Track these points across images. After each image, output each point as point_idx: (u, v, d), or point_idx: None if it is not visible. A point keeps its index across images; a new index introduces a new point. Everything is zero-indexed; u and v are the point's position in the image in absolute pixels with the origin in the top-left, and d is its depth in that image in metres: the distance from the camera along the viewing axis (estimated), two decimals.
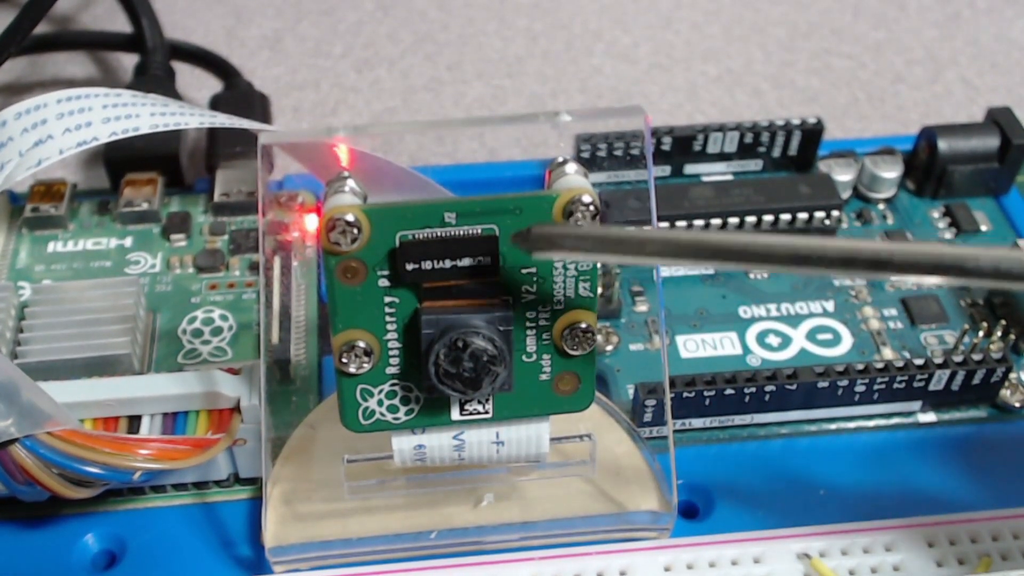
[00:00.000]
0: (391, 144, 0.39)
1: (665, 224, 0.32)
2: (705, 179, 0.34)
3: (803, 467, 0.28)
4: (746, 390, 0.27)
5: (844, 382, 0.27)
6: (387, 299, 0.22)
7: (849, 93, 0.42)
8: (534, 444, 0.24)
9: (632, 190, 0.32)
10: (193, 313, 0.31)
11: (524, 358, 0.23)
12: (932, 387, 0.28)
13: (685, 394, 0.27)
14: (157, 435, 0.25)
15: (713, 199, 0.32)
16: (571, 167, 0.22)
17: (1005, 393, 0.29)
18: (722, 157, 0.34)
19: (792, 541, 0.25)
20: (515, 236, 0.21)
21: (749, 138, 0.34)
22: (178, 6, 0.45)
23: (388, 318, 0.22)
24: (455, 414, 0.23)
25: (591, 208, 0.21)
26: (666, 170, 0.35)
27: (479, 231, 0.21)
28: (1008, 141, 0.33)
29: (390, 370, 0.22)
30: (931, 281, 0.23)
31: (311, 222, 0.32)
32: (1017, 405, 0.29)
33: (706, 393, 0.27)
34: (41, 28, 0.32)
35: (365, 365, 0.22)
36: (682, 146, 0.34)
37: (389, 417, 0.23)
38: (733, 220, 0.32)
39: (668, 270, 0.32)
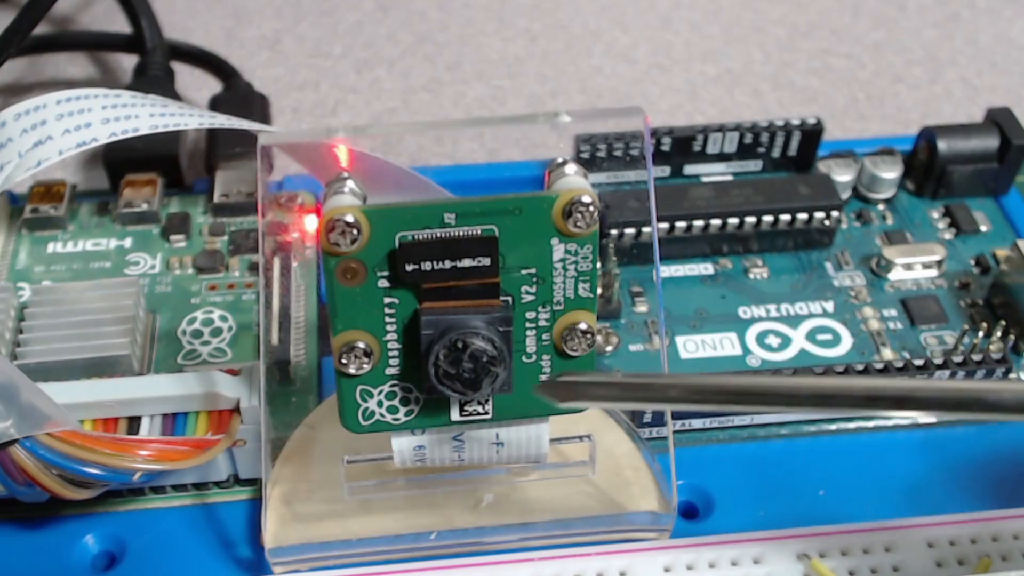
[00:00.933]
0: (391, 145, 0.39)
1: (665, 225, 0.32)
2: (705, 179, 0.34)
3: (803, 468, 0.28)
4: None
5: None
6: (387, 300, 0.22)
7: (849, 93, 0.42)
8: (534, 445, 0.24)
9: (632, 191, 0.32)
10: (193, 314, 0.31)
11: (524, 359, 0.23)
12: None
13: None
14: (157, 436, 0.25)
15: (713, 199, 0.32)
16: (571, 168, 0.22)
17: None
18: (722, 157, 0.34)
19: (792, 541, 0.25)
20: (540, 387, 0.22)
21: (749, 138, 0.34)
22: (177, 7, 0.45)
23: (388, 319, 0.22)
24: (455, 415, 0.23)
25: (590, 209, 0.21)
26: (666, 170, 0.35)
27: (479, 232, 0.21)
28: (1008, 141, 0.34)
29: (390, 371, 0.22)
30: (955, 417, 0.24)
31: (311, 223, 0.32)
32: None
33: None
34: (40, 29, 0.32)
35: (365, 366, 0.22)
36: (682, 146, 0.34)
37: (389, 418, 0.23)
38: (733, 220, 0.32)
39: (668, 270, 0.32)
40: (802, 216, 0.32)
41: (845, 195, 0.34)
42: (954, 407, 0.18)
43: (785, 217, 0.32)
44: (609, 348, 0.30)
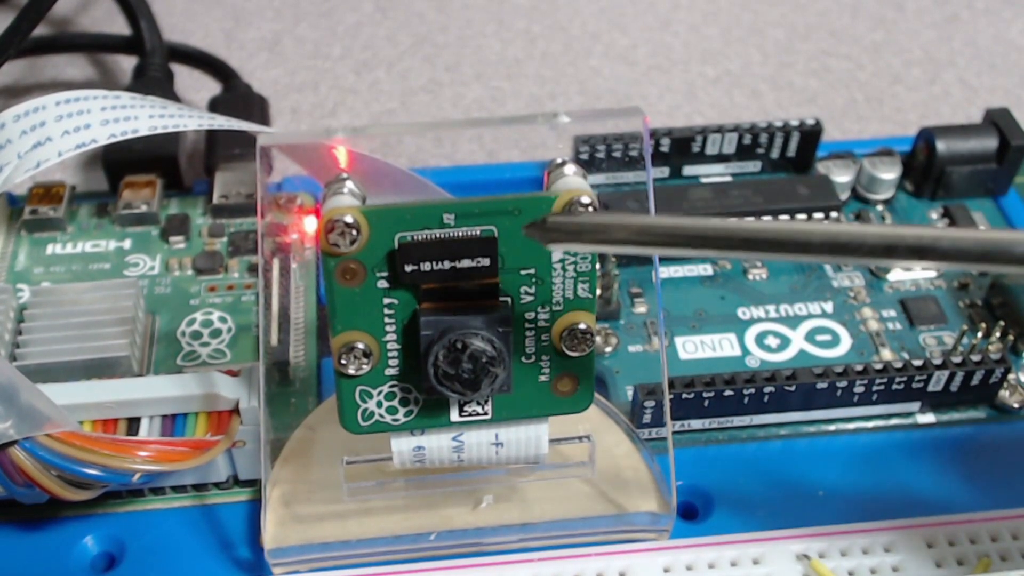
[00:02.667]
0: (390, 146, 0.39)
1: None
2: (704, 180, 0.35)
3: (802, 468, 0.28)
4: (745, 391, 0.27)
5: (843, 383, 0.28)
6: (386, 300, 0.22)
7: (847, 94, 0.42)
8: (533, 445, 0.24)
9: (631, 191, 0.32)
10: (192, 315, 0.31)
11: (523, 359, 0.23)
12: (931, 388, 0.28)
13: (684, 395, 0.27)
14: (156, 437, 0.25)
15: (712, 200, 0.32)
16: (570, 168, 0.22)
17: (1004, 394, 0.29)
18: (721, 158, 0.34)
19: (791, 542, 0.25)
20: (529, 227, 0.20)
21: (748, 139, 0.34)
22: (177, 8, 0.45)
23: (387, 319, 0.22)
24: (454, 415, 0.23)
25: (590, 209, 0.21)
26: (665, 171, 0.35)
27: (478, 232, 0.21)
28: (1006, 142, 0.34)
29: (389, 371, 0.23)
30: (976, 268, 0.22)
31: (310, 224, 0.32)
32: (1016, 406, 0.29)
33: (705, 394, 0.27)
34: (40, 30, 0.32)
35: (364, 366, 0.22)
36: (681, 147, 0.34)
37: (388, 418, 0.23)
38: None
39: (667, 271, 0.32)
40: (801, 217, 0.32)
41: (844, 196, 0.34)
42: (978, 258, 0.16)
43: (784, 218, 0.32)
44: (608, 349, 0.30)
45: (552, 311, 0.22)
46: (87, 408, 0.25)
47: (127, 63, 0.40)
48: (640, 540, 0.26)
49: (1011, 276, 0.31)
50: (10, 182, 0.24)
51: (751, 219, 0.18)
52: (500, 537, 0.25)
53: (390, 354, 0.22)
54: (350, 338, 0.22)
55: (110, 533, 0.26)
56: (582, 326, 0.22)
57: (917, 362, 0.28)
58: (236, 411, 0.25)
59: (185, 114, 0.26)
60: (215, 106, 0.36)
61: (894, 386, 0.28)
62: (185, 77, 0.40)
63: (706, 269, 0.32)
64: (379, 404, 0.23)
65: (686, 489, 0.27)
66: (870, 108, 0.41)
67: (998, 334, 0.30)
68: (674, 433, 0.28)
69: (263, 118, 0.37)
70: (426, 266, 0.21)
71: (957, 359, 0.28)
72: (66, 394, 0.25)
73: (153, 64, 0.37)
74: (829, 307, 0.31)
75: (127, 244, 0.33)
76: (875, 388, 0.28)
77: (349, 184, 0.22)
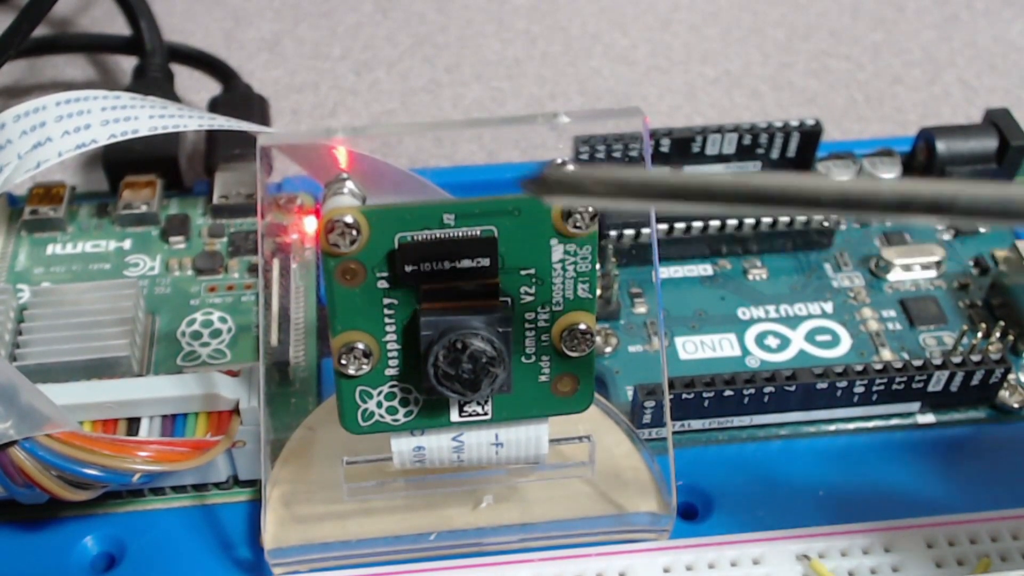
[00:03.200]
0: (390, 146, 0.39)
1: (664, 226, 0.32)
2: None
3: (802, 468, 0.28)
4: (745, 391, 0.27)
5: (843, 383, 0.28)
6: (386, 300, 0.22)
7: (847, 95, 0.42)
8: (533, 445, 0.24)
9: None
10: (192, 315, 0.31)
11: (523, 359, 0.23)
12: (931, 388, 0.28)
13: (684, 395, 0.27)
14: (156, 437, 0.25)
15: None
16: (570, 168, 0.22)
17: (1004, 394, 0.29)
18: (721, 159, 0.34)
19: (791, 542, 0.25)
20: (527, 182, 0.19)
21: (748, 140, 0.34)
22: (177, 9, 0.45)
23: (387, 320, 0.22)
24: (454, 415, 0.23)
25: (589, 210, 0.21)
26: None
27: (478, 232, 0.21)
28: (1006, 142, 0.34)
29: (389, 372, 0.23)
30: (994, 224, 0.21)
31: (310, 224, 0.32)
32: (1015, 406, 0.29)
33: (705, 394, 0.27)
34: (40, 31, 0.32)
35: (364, 367, 0.22)
36: (681, 148, 0.34)
37: (388, 419, 0.23)
38: (732, 222, 0.32)
39: (667, 271, 0.32)
40: (801, 217, 0.32)
41: None
42: (997, 214, 0.16)
43: (784, 218, 0.32)
44: (608, 349, 0.30)
45: (552, 311, 0.22)
46: (87, 408, 0.25)
47: (127, 63, 0.40)
48: (640, 540, 0.26)
49: (1011, 277, 0.31)
50: (10, 182, 0.24)
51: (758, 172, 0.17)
52: (500, 537, 0.25)
53: (390, 354, 0.22)
54: (350, 338, 0.22)
55: (110, 533, 0.26)
56: (582, 326, 0.22)
57: (917, 362, 0.28)
58: (236, 411, 0.25)
59: (185, 114, 0.26)
60: (215, 106, 0.36)
61: (894, 386, 0.28)
62: (185, 77, 0.40)
63: (706, 269, 0.32)
64: (379, 404, 0.23)
65: (686, 489, 0.27)
66: (870, 108, 0.41)
67: (998, 334, 0.30)
68: (674, 433, 0.28)
69: (263, 118, 0.37)
70: (426, 266, 0.21)
71: (957, 359, 0.28)
72: (66, 394, 0.25)
73: (153, 64, 0.37)
74: (829, 307, 0.31)
75: (127, 244, 0.33)
76: (875, 388, 0.28)
77: (349, 184, 0.22)
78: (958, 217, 0.16)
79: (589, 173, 0.18)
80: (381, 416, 0.23)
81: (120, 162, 0.34)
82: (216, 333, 0.30)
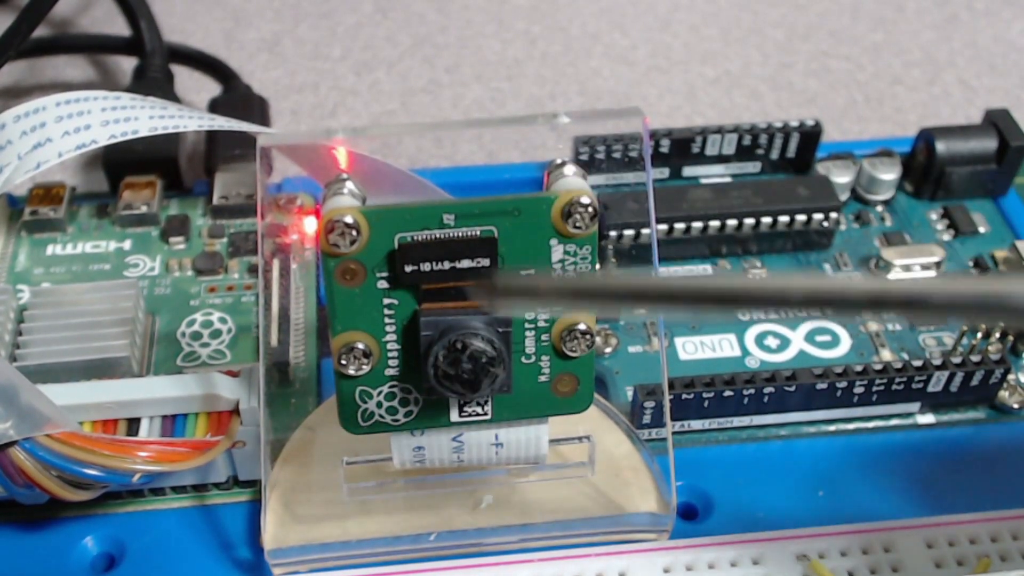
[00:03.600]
0: (390, 146, 0.39)
1: (664, 226, 0.32)
2: (704, 181, 0.35)
3: (802, 468, 0.28)
4: (745, 392, 0.27)
5: (843, 384, 0.28)
6: (386, 301, 0.22)
7: (847, 95, 0.42)
8: (533, 446, 0.24)
9: (630, 192, 0.32)
10: (192, 316, 0.31)
11: (523, 359, 0.23)
12: (931, 388, 0.28)
13: (684, 396, 0.27)
14: (156, 437, 0.25)
15: (711, 201, 0.32)
16: (569, 169, 0.22)
17: (1003, 394, 0.29)
18: (720, 159, 0.35)
19: (791, 542, 0.25)
20: (475, 289, 0.20)
21: (747, 140, 0.34)
22: (177, 9, 0.45)
23: (387, 320, 0.22)
24: (454, 416, 0.23)
25: (589, 210, 0.21)
26: (664, 172, 0.35)
27: (478, 233, 0.21)
28: (1006, 143, 0.34)
29: (389, 372, 0.23)
30: (972, 321, 0.20)
31: (310, 225, 0.32)
32: (1015, 406, 0.29)
33: (705, 395, 0.27)
34: (40, 31, 0.32)
35: (364, 367, 0.22)
36: (680, 148, 0.34)
37: (388, 419, 0.23)
38: (732, 222, 0.32)
39: (666, 271, 0.32)
40: (801, 218, 0.32)
41: (844, 196, 0.34)
42: (974, 310, 0.15)
43: (784, 219, 0.32)
44: (608, 349, 0.30)
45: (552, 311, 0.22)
46: (87, 408, 0.25)
47: (127, 64, 0.40)
48: (640, 540, 0.26)
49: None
50: (10, 183, 0.24)
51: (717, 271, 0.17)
52: (500, 537, 0.25)
53: (390, 354, 0.22)
54: (350, 338, 0.22)
55: (110, 534, 0.26)
56: (582, 326, 0.22)
57: (917, 363, 0.28)
58: (236, 412, 0.25)
59: (185, 115, 0.26)
60: (215, 107, 0.36)
61: (894, 387, 0.28)
62: (185, 78, 0.40)
63: (706, 270, 0.32)
64: (379, 404, 0.23)
65: (686, 489, 0.27)
66: (870, 109, 0.41)
67: (998, 335, 0.30)
68: (674, 433, 0.28)
69: (263, 119, 0.37)
70: (426, 266, 0.21)
71: (957, 360, 0.28)
72: (66, 395, 0.25)
73: (153, 65, 0.37)
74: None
75: (127, 245, 0.33)
76: (875, 389, 0.28)
77: (349, 185, 0.22)
78: (934, 315, 0.15)
79: (540, 280, 0.18)
80: (381, 416, 0.23)
81: (120, 163, 0.34)
82: (216, 334, 0.30)
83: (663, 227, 0.32)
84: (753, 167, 0.35)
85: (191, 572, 0.25)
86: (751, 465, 0.28)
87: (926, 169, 0.34)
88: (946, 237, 0.34)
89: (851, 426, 0.29)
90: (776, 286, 0.16)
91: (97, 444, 0.24)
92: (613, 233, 0.31)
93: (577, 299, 0.18)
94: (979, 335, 0.30)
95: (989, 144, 0.34)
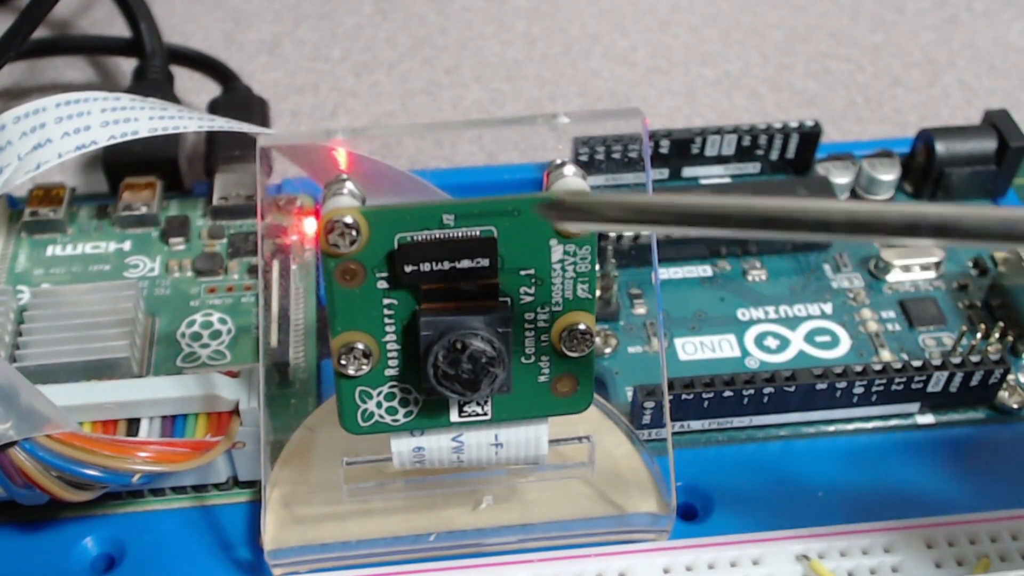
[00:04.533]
0: (389, 147, 0.39)
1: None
2: (703, 182, 0.35)
3: (802, 469, 0.28)
4: (744, 392, 0.27)
5: (842, 384, 0.28)
6: (386, 301, 0.22)
7: (847, 96, 0.42)
8: (533, 446, 0.24)
9: (630, 193, 0.32)
10: (192, 316, 0.31)
11: (523, 360, 0.23)
12: (930, 389, 0.28)
13: (684, 396, 0.27)
14: (156, 438, 0.25)
15: None
16: (569, 169, 0.22)
17: (1003, 395, 0.29)
18: (720, 160, 0.35)
19: (791, 543, 0.25)
20: (545, 207, 0.20)
21: (747, 141, 0.34)
22: (177, 10, 0.45)
23: (387, 320, 0.22)
24: (454, 416, 0.23)
25: None
26: (664, 173, 0.35)
27: (477, 233, 0.21)
28: (1005, 144, 0.34)
29: (389, 372, 0.23)
30: (999, 247, 0.21)
31: (310, 225, 0.32)
32: (1015, 407, 0.29)
33: (705, 395, 0.27)
34: (40, 32, 0.32)
35: (364, 367, 0.22)
36: (680, 149, 0.34)
37: (388, 419, 0.23)
38: None
39: (666, 272, 0.32)
40: None
41: (843, 197, 0.34)
42: (1001, 236, 0.16)
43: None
44: (608, 350, 0.30)
45: (552, 311, 0.22)
46: (87, 409, 0.25)
47: (127, 65, 0.40)
48: (640, 541, 0.26)
49: (1010, 277, 0.31)
50: (10, 184, 0.24)
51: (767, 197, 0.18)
52: (500, 538, 0.25)
53: (390, 355, 0.22)
54: (350, 339, 0.22)
55: (110, 534, 0.26)
56: (582, 326, 0.22)
57: (916, 363, 0.28)
58: (236, 412, 0.25)
59: (185, 116, 0.26)
60: (215, 108, 0.37)
61: (893, 387, 0.28)
62: (185, 79, 0.40)
63: (705, 270, 0.32)
64: (379, 405, 0.23)
65: (686, 490, 0.27)
66: (869, 110, 0.41)
67: (997, 335, 0.30)
68: (674, 434, 0.28)
69: (263, 120, 0.37)
70: (426, 267, 0.21)
71: (956, 360, 0.28)
72: (66, 395, 0.25)
73: (153, 66, 0.38)
74: (828, 308, 0.31)
75: (127, 246, 0.33)
76: (874, 389, 0.28)
77: (349, 185, 0.22)
78: (964, 240, 0.16)
79: (603, 199, 0.19)
80: (381, 417, 0.23)
81: (120, 163, 0.34)
82: (216, 334, 0.30)
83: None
84: (753, 168, 0.35)
85: (191, 573, 0.25)
86: (751, 465, 0.28)
87: (925, 170, 0.34)
88: None
89: (851, 427, 0.29)
90: (818, 208, 0.17)
91: (97, 445, 0.24)
92: (613, 234, 0.31)
93: (636, 219, 0.19)
94: (979, 335, 0.30)
95: (988, 145, 0.34)
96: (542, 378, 0.23)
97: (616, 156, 0.33)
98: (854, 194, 0.34)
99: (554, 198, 0.20)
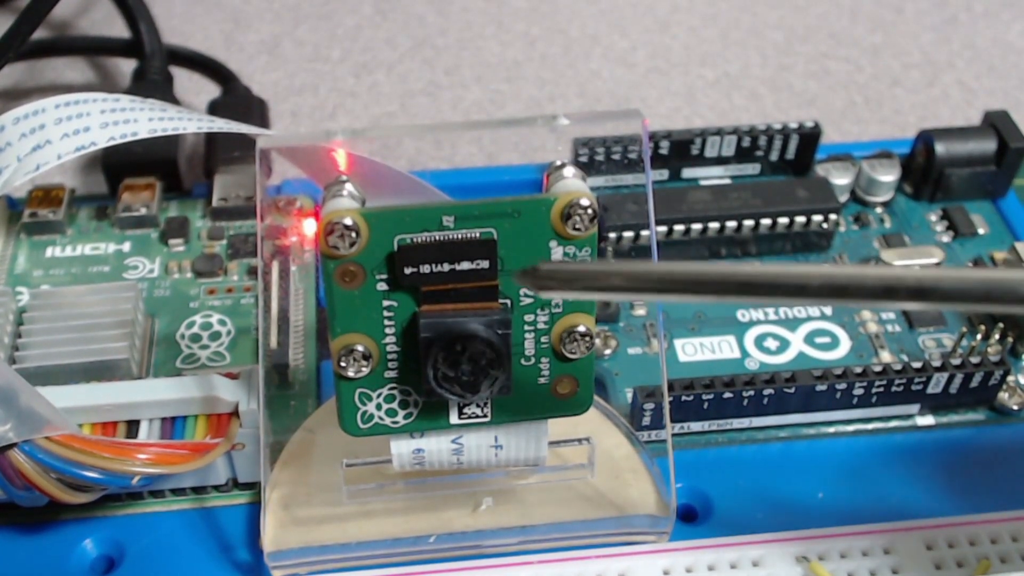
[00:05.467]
0: (389, 148, 0.39)
1: (663, 228, 0.32)
2: (703, 183, 0.35)
3: (801, 470, 0.28)
4: (744, 393, 0.27)
5: (842, 385, 0.28)
6: (385, 303, 0.22)
7: (846, 97, 0.42)
8: (533, 448, 0.24)
9: (630, 194, 0.32)
10: (191, 318, 0.31)
11: (523, 361, 0.23)
12: (930, 390, 0.28)
13: (683, 397, 0.27)
14: (155, 440, 0.25)
15: (711, 203, 0.32)
16: (569, 171, 0.22)
17: (1003, 396, 0.29)
18: (720, 161, 0.35)
19: (791, 544, 0.25)
20: (520, 275, 0.20)
21: (747, 142, 0.34)
22: (176, 11, 0.45)
23: (387, 322, 0.22)
24: (454, 418, 0.23)
25: (589, 212, 0.21)
26: (664, 174, 0.35)
27: (477, 235, 0.21)
28: (1005, 144, 0.34)
29: (388, 374, 0.22)
30: (979, 310, 0.21)
31: (309, 226, 0.32)
32: (1015, 408, 0.29)
33: (704, 396, 0.27)
34: (39, 33, 0.32)
35: (364, 369, 0.22)
36: (680, 150, 0.34)
37: (388, 421, 0.23)
38: (731, 224, 0.32)
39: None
40: (800, 219, 0.32)
41: (843, 198, 0.34)
42: (980, 299, 0.16)
43: (783, 220, 0.32)
44: (607, 351, 0.30)
45: (551, 313, 0.22)
46: (86, 411, 0.25)
47: (127, 66, 0.40)
48: (639, 542, 0.26)
49: None
50: (9, 185, 0.24)
51: (748, 262, 0.18)
52: (499, 539, 0.25)
53: (389, 356, 0.22)
54: (349, 340, 0.22)
55: (109, 536, 0.26)
56: (581, 328, 0.22)
57: (916, 364, 0.28)
58: (235, 414, 0.25)
59: (184, 117, 0.26)
60: (214, 109, 0.37)
61: (893, 388, 0.28)
62: (184, 80, 0.40)
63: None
64: (378, 406, 0.23)
65: (685, 491, 0.27)
66: (869, 110, 0.41)
67: (997, 336, 0.30)
68: (673, 435, 0.28)
69: (262, 121, 0.37)
70: (425, 268, 0.21)
71: (956, 361, 0.28)
72: (65, 397, 0.25)
73: (152, 67, 0.37)
74: (828, 309, 0.31)
75: (126, 247, 0.33)
76: (874, 390, 0.28)
77: (348, 186, 0.22)
78: (942, 303, 0.16)
79: (583, 268, 0.19)
80: (380, 418, 0.23)
81: (119, 164, 0.34)
82: (215, 336, 0.30)
83: (662, 229, 0.32)
84: (752, 169, 0.35)
85: (190, 574, 0.25)
86: (751, 467, 0.28)
87: (925, 171, 0.34)
88: (945, 239, 0.34)
89: (850, 428, 0.29)
90: (796, 274, 0.17)
91: (96, 446, 0.24)
92: (613, 235, 0.31)
93: (614, 290, 0.19)
94: (978, 336, 0.30)
95: (988, 146, 0.34)
96: (542, 380, 0.23)
97: (616, 157, 0.33)
98: (854, 195, 0.34)
99: (549, 202, 0.20)
